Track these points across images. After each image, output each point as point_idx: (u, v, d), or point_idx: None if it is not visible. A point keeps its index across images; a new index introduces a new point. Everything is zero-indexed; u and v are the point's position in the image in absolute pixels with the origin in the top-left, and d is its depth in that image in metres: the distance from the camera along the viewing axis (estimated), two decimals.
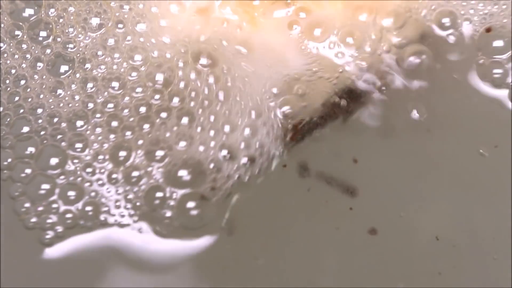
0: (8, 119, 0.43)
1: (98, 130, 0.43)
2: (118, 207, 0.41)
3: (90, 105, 0.43)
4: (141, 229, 0.41)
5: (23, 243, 0.41)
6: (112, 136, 0.42)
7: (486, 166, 0.44)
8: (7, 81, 0.43)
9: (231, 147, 0.42)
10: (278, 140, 0.43)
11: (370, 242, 0.42)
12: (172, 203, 0.41)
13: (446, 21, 0.46)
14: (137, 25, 0.44)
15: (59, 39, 0.44)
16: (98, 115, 0.43)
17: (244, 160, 0.42)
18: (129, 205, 0.41)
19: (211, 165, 0.42)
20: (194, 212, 0.41)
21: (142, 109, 0.43)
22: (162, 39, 0.44)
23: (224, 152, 0.42)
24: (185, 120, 0.43)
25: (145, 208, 0.41)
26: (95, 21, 0.44)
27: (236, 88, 0.43)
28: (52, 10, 0.44)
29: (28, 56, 0.44)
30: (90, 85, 0.43)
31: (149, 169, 0.42)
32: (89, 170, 0.42)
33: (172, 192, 0.42)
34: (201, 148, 0.42)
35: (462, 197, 0.43)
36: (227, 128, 0.43)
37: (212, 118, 0.43)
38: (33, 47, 0.44)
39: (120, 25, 0.44)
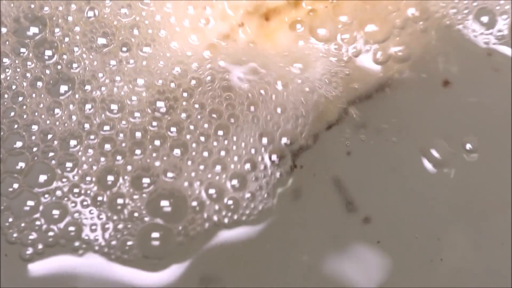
0: (2, 133, 0.43)
1: (90, 151, 0.43)
2: (93, 230, 0.41)
3: (86, 126, 0.43)
4: (116, 255, 0.41)
5: (4, 257, 0.42)
6: (102, 159, 0.43)
7: None
8: (6, 96, 0.44)
9: (219, 187, 0.42)
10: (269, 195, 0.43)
11: None
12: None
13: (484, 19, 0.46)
14: (144, 48, 0.45)
15: (64, 57, 0.44)
16: (92, 137, 0.43)
17: (229, 202, 0.42)
18: (112, 232, 0.41)
19: (194, 203, 0.42)
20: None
21: (138, 134, 0.43)
22: (174, 70, 0.44)
23: (212, 191, 0.42)
24: (177, 151, 0.43)
25: (125, 236, 0.41)
26: (100, 41, 0.45)
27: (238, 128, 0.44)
28: (57, 29, 0.45)
29: (28, 74, 0.44)
30: (88, 106, 0.44)
31: (135, 196, 0.42)
32: (76, 190, 0.42)
33: (150, 220, 0.42)
34: (187, 184, 0.42)
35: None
36: (218, 168, 0.43)
37: (205, 153, 0.43)
38: (37, 65, 0.44)
39: (124, 48, 0.44)
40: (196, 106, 0.43)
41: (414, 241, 0.42)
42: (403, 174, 0.43)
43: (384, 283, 0.41)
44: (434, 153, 0.44)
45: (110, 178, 0.42)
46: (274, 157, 0.42)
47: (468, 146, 0.44)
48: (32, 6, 0.45)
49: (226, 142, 0.43)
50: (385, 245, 0.42)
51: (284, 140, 0.43)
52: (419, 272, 0.42)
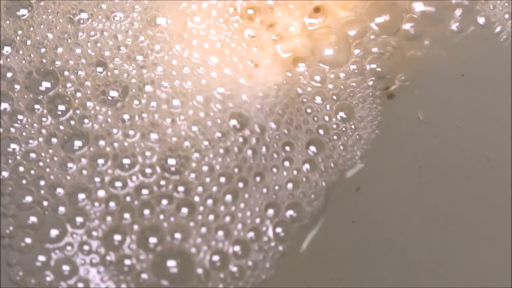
0: (10, 188, 0.44)
1: (99, 208, 0.44)
2: None
3: (96, 181, 0.44)
4: None
5: None
6: (109, 218, 0.44)
7: None
8: (21, 150, 0.45)
9: (223, 254, 0.43)
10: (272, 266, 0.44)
11: None
12: None
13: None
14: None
15: (77, 112, 0.45)
16: (101, 192, 0.44)
17: (234, 269, 0.43)
18: None
19: (199, 270, 0.43)
20: None
21: (144, 192, 0.44)
22: (192, 128, 0.45)
23: (215, 258, 0.43)
24: (184, 210, 0.44)
25: None
26: (112, 94, 0.45)
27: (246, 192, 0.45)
28: (69, 84, 0.45)
29: (44, 131, 0.45)
30: (101, 161, 0.44)
31: (141, 257, 0.43)
32: (86, 248, 0.43)
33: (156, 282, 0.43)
34: (194, 250, 0.43)
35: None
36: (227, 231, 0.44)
37: (211, 217, 0.44)
38: (52, 122, 0.45)
39: (136, 102, 0.45)
40: (205, 168, 0.44)
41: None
42: None
43: None
44: None
45: (117, 237, 0.43)
46: (278, 229, 0.44)
47: None
48: (44, 60, 0.46)
49: (233, 208, 0.44)
50: None
51: (290, 212, 0.44)
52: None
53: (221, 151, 0.44)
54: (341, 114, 0.46)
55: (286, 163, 0.45)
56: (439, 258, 0.44)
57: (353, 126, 0.46)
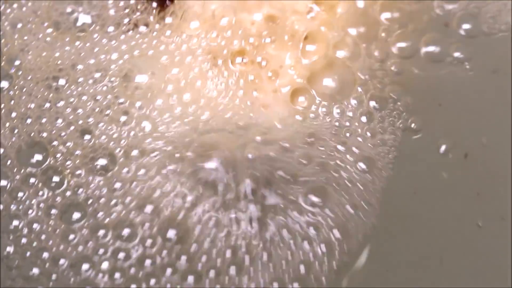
0: (17, 262, 0.44)
1: (104, 279, 0.44)
2: None
3: (100, 252, 0.44)
4: None
5: None
6: None
7: None
8: (23, 224, 0.44)
9: None
10: None
11: None
12: None
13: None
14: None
15: (72, 182, 0.44)
16: (105, 265, 0.44)
17: None
18: None
19: None
20: None
21: (147, 262, 0.44)
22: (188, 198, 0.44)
23: None
24: (190, 279, 0.43)
25: None
26: (101, 162, 0.44)
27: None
28: (59, 154, 0.44)
29: (42, 205, 0.44)
30: (102, 232, 0.44)
31: None
32: None
33: None
34: None
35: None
36: None
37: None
38: (49, 194, 0.45)
39: (125, 170, 0.44)
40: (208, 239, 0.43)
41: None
42: None
43: None
44: None
45: None
46: None
47: None
48: (31, 132, 0.45)
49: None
50: None
51: (296, 285, 0.43)
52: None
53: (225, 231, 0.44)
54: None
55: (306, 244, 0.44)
56: (440, 257, 0.44)
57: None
